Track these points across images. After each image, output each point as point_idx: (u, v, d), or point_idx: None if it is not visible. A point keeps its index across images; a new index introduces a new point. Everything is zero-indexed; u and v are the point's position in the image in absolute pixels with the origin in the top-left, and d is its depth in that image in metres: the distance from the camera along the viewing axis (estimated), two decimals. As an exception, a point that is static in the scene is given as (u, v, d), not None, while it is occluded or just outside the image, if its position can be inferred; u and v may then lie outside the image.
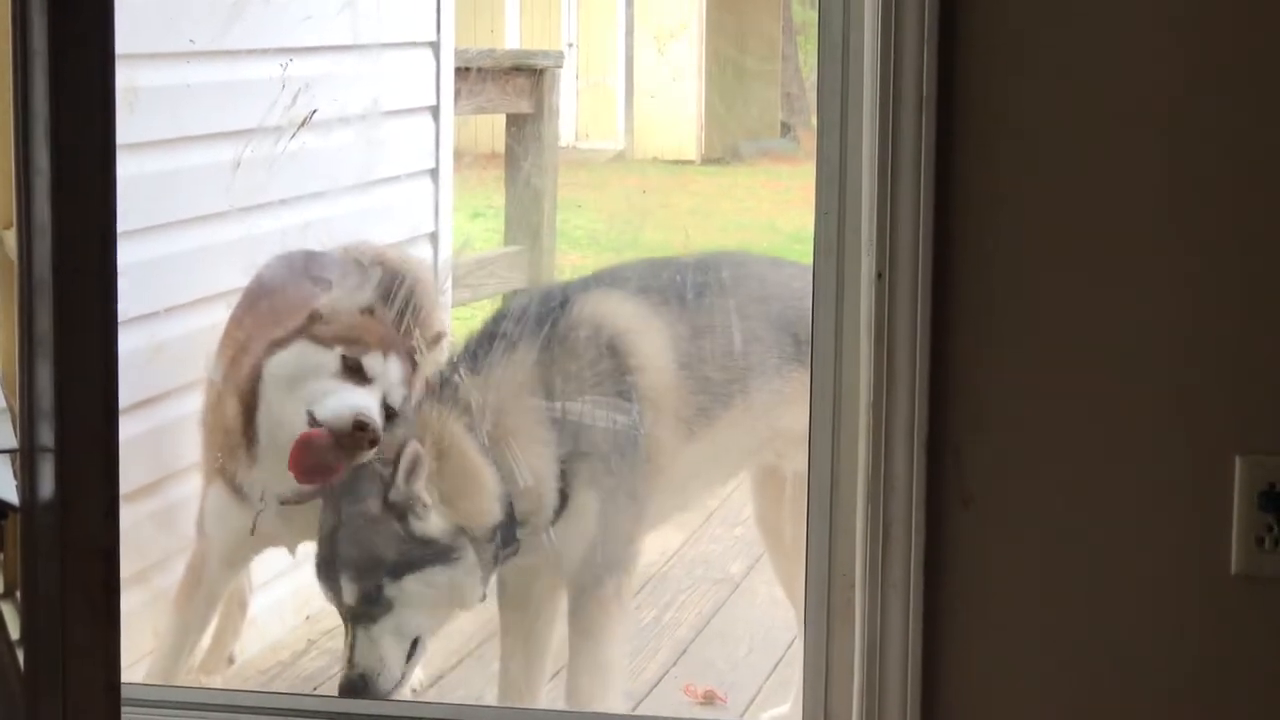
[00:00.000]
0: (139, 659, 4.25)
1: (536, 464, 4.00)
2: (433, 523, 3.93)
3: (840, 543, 2.81)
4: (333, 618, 4.80)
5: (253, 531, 4.17)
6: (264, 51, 4.56)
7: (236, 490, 4.10)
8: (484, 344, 4.07)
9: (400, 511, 3.91)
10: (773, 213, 7.42)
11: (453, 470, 3.96)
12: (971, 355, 2.62)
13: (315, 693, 4.50)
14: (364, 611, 3.92)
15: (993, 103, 2.59)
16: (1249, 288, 2.57)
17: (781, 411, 4.16)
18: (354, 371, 3.95)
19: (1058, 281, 2.60)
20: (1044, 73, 2.58)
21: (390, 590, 3.91)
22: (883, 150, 2.62)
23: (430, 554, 3.92)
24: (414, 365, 4.06)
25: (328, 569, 3.96)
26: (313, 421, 3.90)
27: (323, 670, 4.69)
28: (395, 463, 3.89)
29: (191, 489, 4.50)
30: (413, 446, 3.90)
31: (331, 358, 3.96)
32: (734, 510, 5.63)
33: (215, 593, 4.28)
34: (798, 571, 3.57)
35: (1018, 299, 2.61)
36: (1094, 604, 2.64)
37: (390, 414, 3.98)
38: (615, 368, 4.06)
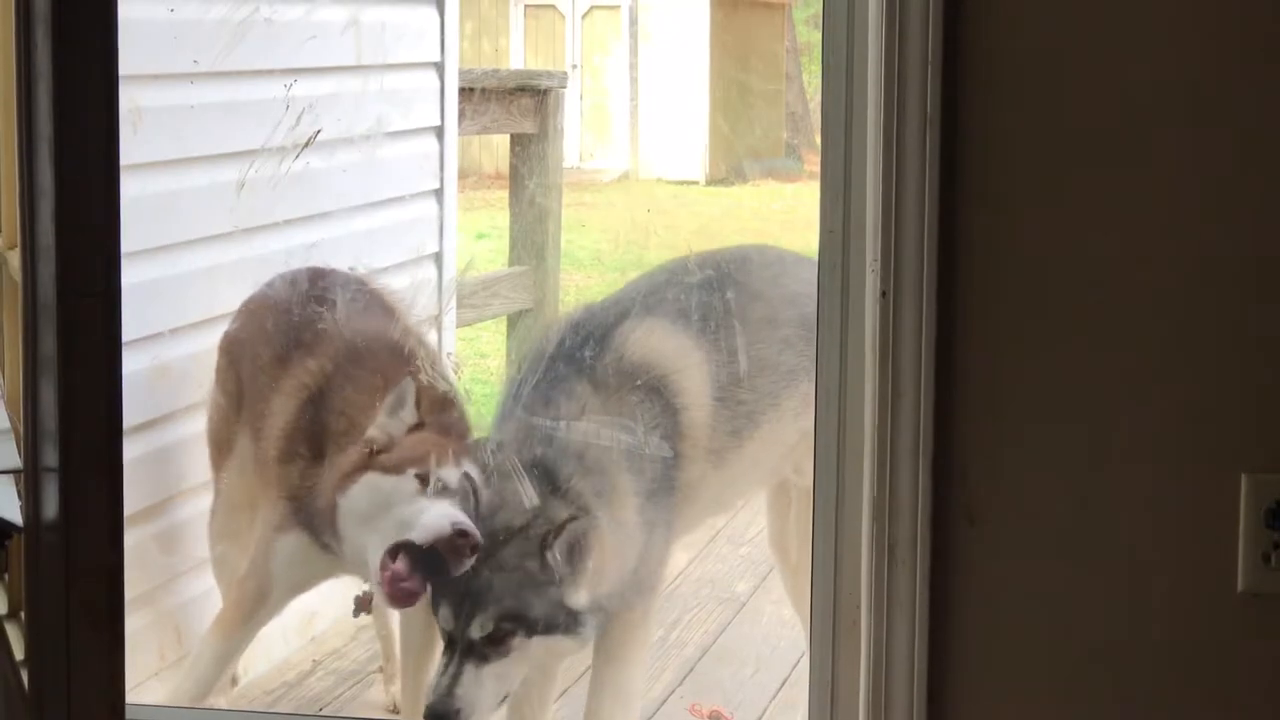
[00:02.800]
0: (143, 680, 4.24)
1: (624, 512, 4.01)
2: (582, 596, 3.93)
3: (846, 561, 2.80)
4: (338, 638, 4.82)
5: (356, 613, 4.27)
6: (268, 72, 4.56)
7: (324, 546, 4.10)
8: (539, 387, 4.07)
9: (557, 578, 3.91)
10: (777, 232, 7.41)
11: (607, 547, 3.98)
12: (976, 373, 2.62)
13: (320, 713, 4.49)
14: (481, 650, 3.89)
15: (997, 121, 2.59)
16: (1255, 306, 2.57)
17: (809, 414, 4.14)
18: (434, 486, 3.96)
19: (1063, 300, 2.60)
20: (1048, 93, 2.58)
21: (518, 643, 3.90)
22: (887, 169, 2.62)
23: (567, 623, 3.92)
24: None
25: (464, 600, 3.91)
26: (396, 550, 3.91)
27: (328, 691, 4.68)
28: (557, 533, 3.89)
29: (195, 510, 4.50)
30: (576, 525, 3.91)
31: (405, 481, 3.97)
32: (740, 529, 5.62)
33: (265, 624, 4.28)
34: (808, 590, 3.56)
35: (1023, 317, 2.61)
36: (1100, 621, 2.64)
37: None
38: (664, 408, 4.06)
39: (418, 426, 4.04)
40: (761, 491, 4.70)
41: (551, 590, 3.89)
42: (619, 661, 4.08)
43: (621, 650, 4.08)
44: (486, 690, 3.89)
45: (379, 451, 4.02)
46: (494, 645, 3.89)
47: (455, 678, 3.87)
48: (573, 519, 3.89)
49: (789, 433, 4.21)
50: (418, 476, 3.95)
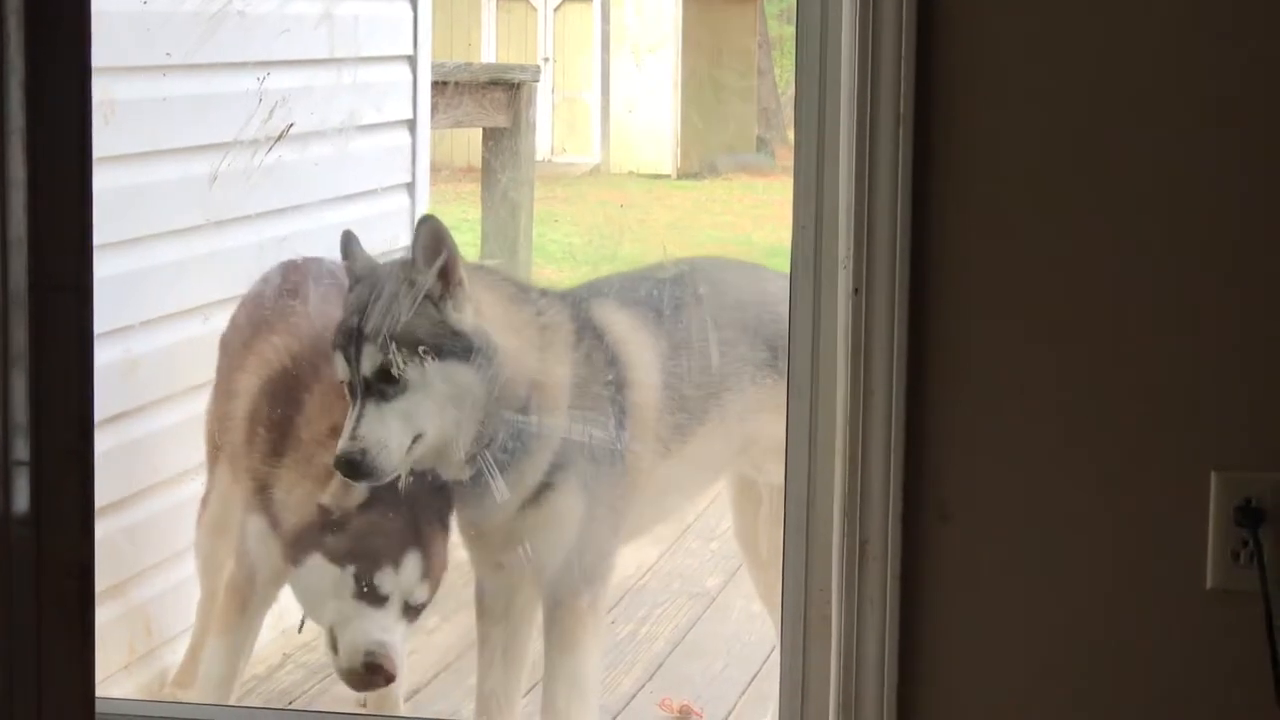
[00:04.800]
0: (113, 674, 4.24)
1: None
2: (467, 318, 3.95)
3: (817, 557, 2.80)
4: (307, 632, 4.80)
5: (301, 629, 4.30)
6: (241, 65, 4.56)
7: (277, 527, 4.10)
8: None
9: (436, 297, 3.93)
10: (749, 227, 7.42)
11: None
12: (948, 370, 2.63)
13: (290, 707, 4.49)
14: (379, 388, 3.90)
15: (971, 118, 2.59)
16: (1225, 303, 2.58)
17: (757, 419, 4.16)
18: (369, 593, 3.97)
19: (1036, 297, 2.60)
20: (1023, 90, 2.59)
21: (412, 371, 3.91)
22: (860, 165, 2.62)
23: (458, 347, 3.93)
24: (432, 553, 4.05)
25: (351, 336, 3.94)
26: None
27: (298, 684, 4.68)
28: (414, 239, 3.96)
29: (166, 503, 4.49)
30: (430, 224, 3.98)
31: (346, 577, 3.98)
32: (710, 524, 5.63)
33: (262, 610, 4.28)
34: (777, 585, 3.56)
35: (995, 315, 2.61)
36: (1070, 618, 2.65)
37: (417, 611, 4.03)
38: (616, 379, 4.07)
39: (368, 506, 4.01)
40: (714, 488, 4.72)
41: (428, 308, 3.93)
42: (570, 651, 4.08)
43: (572, 640, 4.08)
44: (391, 429, 3.89)
45: (330, 524, 4.00)
46: (387, 380, 3.91)
47: (358, 420, 3.88)
48: (425, 219, 3.99)
49: (733, 435, 4.22)
50: (355, 576, 3.94)
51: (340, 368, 3.97)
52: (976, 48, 2.58)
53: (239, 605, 4.22)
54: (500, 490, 3.94)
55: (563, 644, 4.08)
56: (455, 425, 3.94)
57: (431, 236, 3.95)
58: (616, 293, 4.23)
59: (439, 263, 3.93)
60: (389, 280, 3.98)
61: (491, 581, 4.12)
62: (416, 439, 3.91)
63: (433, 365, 3.92)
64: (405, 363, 3.90)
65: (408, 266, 3.98)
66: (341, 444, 3.89)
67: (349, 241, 4.09)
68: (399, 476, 3.94)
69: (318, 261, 4.45)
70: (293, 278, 4.39)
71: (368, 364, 3.91)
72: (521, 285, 4.24)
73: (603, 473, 4.05)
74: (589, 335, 4.09)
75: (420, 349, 3.91)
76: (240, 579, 4.23)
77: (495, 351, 3.96)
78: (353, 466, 3.87)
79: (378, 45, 5.28)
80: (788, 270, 2.82)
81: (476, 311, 3.97)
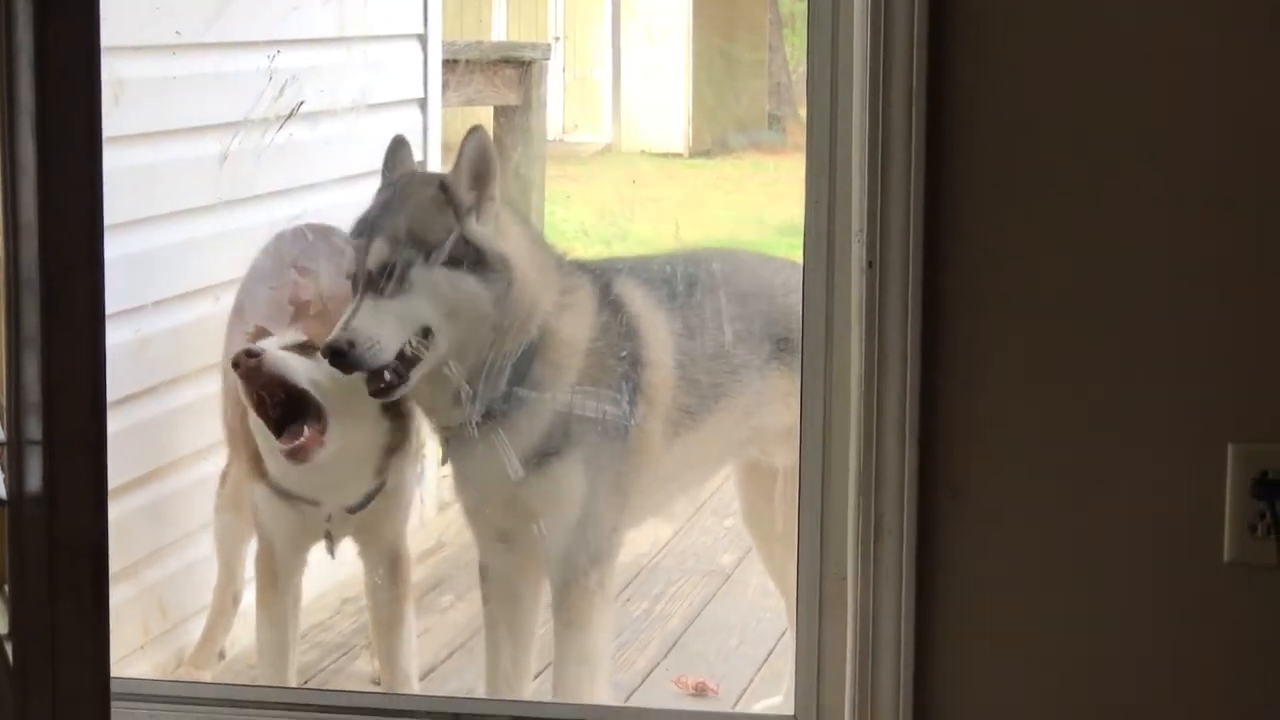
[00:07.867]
0: (128, 654, 4.24)
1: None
2: (489, 234, 3.90)
3: (831, 534, 2.80)
4: (323, 611, 4.81)
5: (331, 551, 4.23)
6: (251, 43, 4.55)
7: (282, 494, 4.10)
8: None
9: (464, 207, 3.89)
10: (761, 205, 7.40)
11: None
12: (962, 345, 2.62)
13: (305, 685, 4.49)
14: (378, 283, 3.85)
15: (983, 92, 2.59)
16: (1241, 276, 2.57)
17: (761, 412, 4.16)
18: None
19: (1049, 271, 2.60)
20: (1034, 62, 2.58)
21: (418, 273, 3.86)
22: (873, 140, 2.61)
23: (472, 260, 3.88)
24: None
25: (365, 226, 3.93)
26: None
27: (313, 664, 4.68)
28: (460, 151, 3.90)
29: (179, 484, 4.49)
30: (478, 135, 3.92)
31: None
32: (725, 502, 5.62)
33: (292, 580, 4.27)
34: (788, 564, 3.56)
35: (1009, 289, 2.61)
36: (1086, 592, 2.64)
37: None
38: (632, 355, 4.05)
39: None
40: (704, 483, 4.78)
41: (450, 216, 3.88)
42: (579, 629, 4.06)
43: (581, 618, 4.05)
44: (386, 325, 3.83)
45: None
46: (390, 277, 3.86)
47: (354, 313, 3.84)
48: (474, 130, 3.92)
49: (740, 426, 4.21)
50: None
51: (349, 259, 3.93)
52: (990, 21, 2.58)
53: (270, 577, 4.23)
54: (504, 448, 3.91)
55: (572, 624, 4.06)
56: (461, 340, 3.90)
57: (477, 148, 3.91)
58: (634, 272, 4.22)
59: (477, 172, 3.89)
60: (420, 183, 3.98)
61: (496, 562, 4.10)
62: (427, 337, 3.87)
63: (441, 272, 3.88)
64: (411, 263, 3.86)
65: (446, 175, 3.96)
66: (333, 333, 3.83)
67: (398, 147, 4.07)
68: (402, 384, 3.90)
69: (327, 231, 4.42)
70: (304, 257, 4.37)
71: (374, 258, 3.85)
72: (554, 249, 4.20)
73: (610, 448, 4.03)
74: (609, 306, 4.07)
75: (431, 253, 3.88)
76: (263, 550, 4.24)
77: (511, 275, 3.91)
78: (339, 356, 3.81)
79: (388, 23, 5.28)
80: (799, 247, 2.82)
81: (500, 233, 3.92)
